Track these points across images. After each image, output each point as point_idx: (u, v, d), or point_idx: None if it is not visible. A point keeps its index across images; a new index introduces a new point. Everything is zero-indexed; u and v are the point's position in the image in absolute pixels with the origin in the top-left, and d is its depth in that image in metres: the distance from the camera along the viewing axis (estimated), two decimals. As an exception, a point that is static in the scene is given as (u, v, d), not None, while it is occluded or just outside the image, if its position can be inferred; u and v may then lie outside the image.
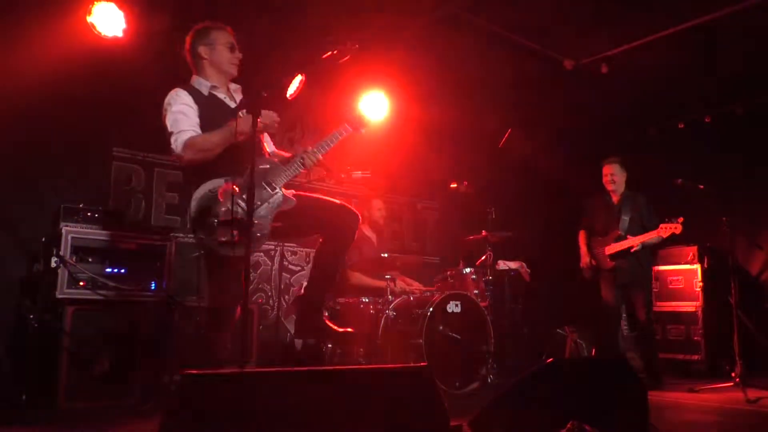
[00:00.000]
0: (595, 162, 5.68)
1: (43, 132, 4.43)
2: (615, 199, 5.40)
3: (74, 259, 3.77)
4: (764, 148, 6.49)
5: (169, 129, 2.95)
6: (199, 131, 2.95)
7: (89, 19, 4.51)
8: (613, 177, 5.38)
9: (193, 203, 2.89)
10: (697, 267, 6.28)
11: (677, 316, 6.34)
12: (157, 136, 4.99)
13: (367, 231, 5.42)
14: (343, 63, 3.07)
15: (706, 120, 6.96)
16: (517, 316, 6.08)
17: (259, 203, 2.96)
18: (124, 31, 4.62)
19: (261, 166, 3.06)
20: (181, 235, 5.06)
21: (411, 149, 6.55)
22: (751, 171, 6.56)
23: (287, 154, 3.35)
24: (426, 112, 6.79)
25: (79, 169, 4.60)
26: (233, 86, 3.29)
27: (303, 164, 3.20)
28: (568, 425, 2.07)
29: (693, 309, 6.24)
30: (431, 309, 4.47)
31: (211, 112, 3.06)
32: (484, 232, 5.37)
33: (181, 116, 2.95)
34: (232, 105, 3.17)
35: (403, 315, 4.64)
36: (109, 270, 3.89)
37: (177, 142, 2.91)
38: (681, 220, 4.91)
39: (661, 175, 5.57)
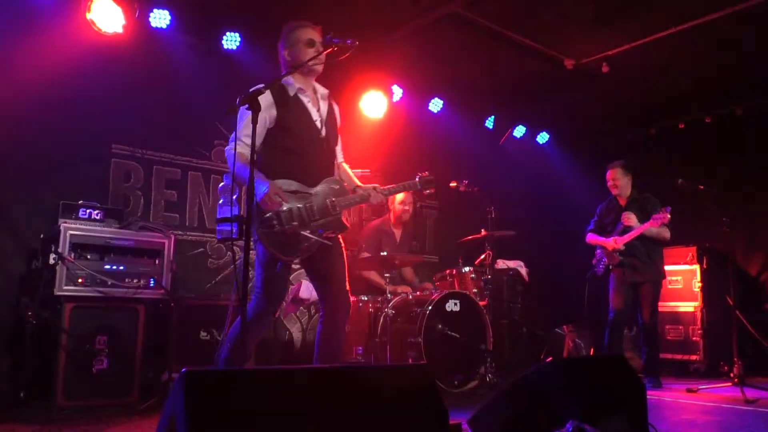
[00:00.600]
0: (595, 161, 5.68)
1: (42, 128, 4.41)
2: (622, 202, 5.40)
3: (73, 256, 3.76)
4: (764, 149, 6.50)
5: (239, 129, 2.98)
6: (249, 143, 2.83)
7: (88, 15, 4.53)
8: (615, 182, 5.39)
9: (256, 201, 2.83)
10: (696, 267, 6.29)
11: (676, 317, 6.35)
12: (156, 133, 5.08)
13: (388, 225, 5.40)
14: (342, 60, 3.06)
15: (707, 120, 6.96)
16: (516, 315, 6.08)
17: (318, 217, 3.01)
18: (124, 27, 4.64)
19: (332, 186, 3.11)
20: (180, 232, 5.07)
21: (410, 147, 6.55)
22: (751, 172, 6.57)
23: (347, 169, 3.37)
24: (425, 110, 6.80)
25: (78, 165, 4.59)
26: (321, 90, 3.24)
27: (367, 199, 3.22)
28: (567, 425, 2.07)
29: (692, 309, 6.24)
30: (430, 307, 4.47)
31: (291, 116, 3.05)
32: (483, 231, 5.36)
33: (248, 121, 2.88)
34: (314, 113, 3.14)
35: (402, 313, 4.64)
36: (107, 267, 3.88)
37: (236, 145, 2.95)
38: (668, 209, 4.97)
39: (662, 175, 5.56)
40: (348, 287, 3.16)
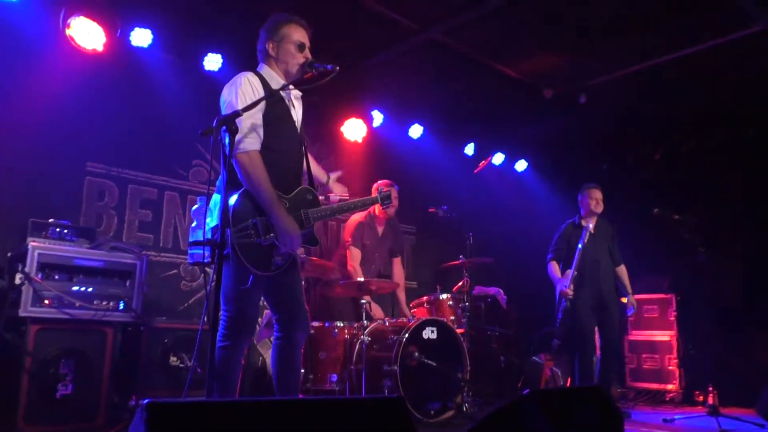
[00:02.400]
0: (573, 190, 5.71)
1: (15, 144, 4.32)
2: (591, 224, 5.38)
3: (40, 276, 3.65)
4: (736, 179, 6.61)
5: (246, 126, 2.73)
6: (260, 141, 2.75)
7: (68, 32, 4.48)
8: (599, 201, 5.40)
9: (233, 207, 2.71)
10: (672, 296, 6.33)
11: (652, 345, 6.37)
12: (133, 152, 5.01)
13: (371, 219, 5.35)
14: (323, 84, 3.01)
15: (682, 150, 7.08)
16: (494, 343, 6.04)
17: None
18: (104, 45, 4.60)
19: (306, 196, 2.96)
20: (154, 253, 4.97)
21: (390, 172, 6.54)
22: (726, 201, 6.66)
23: (322, 175, 3.29)
24: (406, 136, 6.81)
25: (51, 183, 4.49)
26: (295, 92, 3.03)
27: (342, 212, 3.16)
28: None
29: (668, 338, 6.27)
30: (407, 335, 4.41)
31: (275, 113, 2.84)
32: (461, 258, 5.34)
33: (257, 116, 2.76)
34: (293, 113, 2.99)
35: (378, 340, 4.57)
36: (76, 288, 3.77)
37: (242, 144, 2.72)
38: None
39: (638, 204, 5.62)
40: (307, 307, 3.07)
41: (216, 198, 2.87)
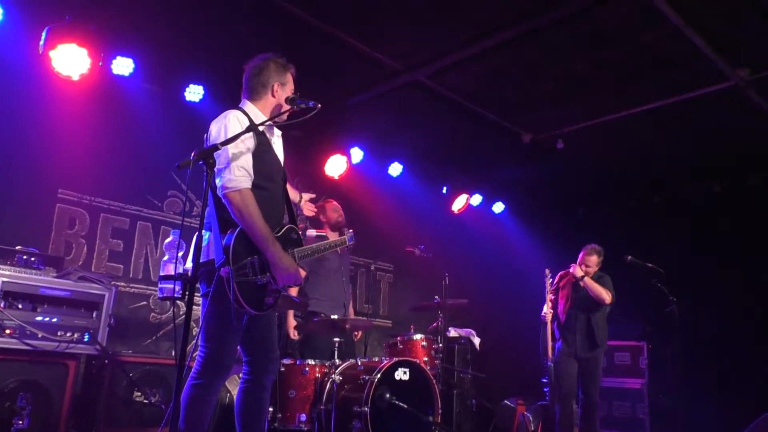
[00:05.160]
0: (549, 234, 5.77)
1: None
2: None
3: (3, 304, 3.53)
4: (710, 229, 6.73)
5: (228, 158, 2.68)
6: (251, 179, 2.73)
7: (50, 56, 4.42)
8: (590, 267, 5.44)
9: (232, 245, 2.67)
10: (643, 344, 6.36)
11: (623, 393, 6.36)
12: (107, 180, 4.93)
13: (332, 236, 5.24)
14: (305, 121, 3.02)
15: (656, 200, 7.21)
16: (466, 385, 5.98)
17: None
18: (85, 72, 4.55)
19: (291, 235, 2.94)
20: (123, 284, 4.86)
21: (369, 209, 6.55)
22: (700, 250, 6.76)
23: (294, 195, 3.31)
24: (385, 174, 6.84)
25: (20, 209, 4.40)
26: (276, 130, 3.03)
27: (318, 253, 3.13)
28: None
29: (639, 386, 6.27)
30: (379, 375, 4.33)
31: (261, 150, 2.82)
32: (437, 298, 5.31)
33: (246, 151, 2.74)
34: (277, 151, 2.99)
35: (349, 380, 4.48)
36: (40, 318, 3.65)
37: (231, 180, 2.67)
38: None
39: (612, 251, 5.67)
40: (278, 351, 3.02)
41: (206, 235, 2.82)
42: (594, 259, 5.45)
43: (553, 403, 5.34)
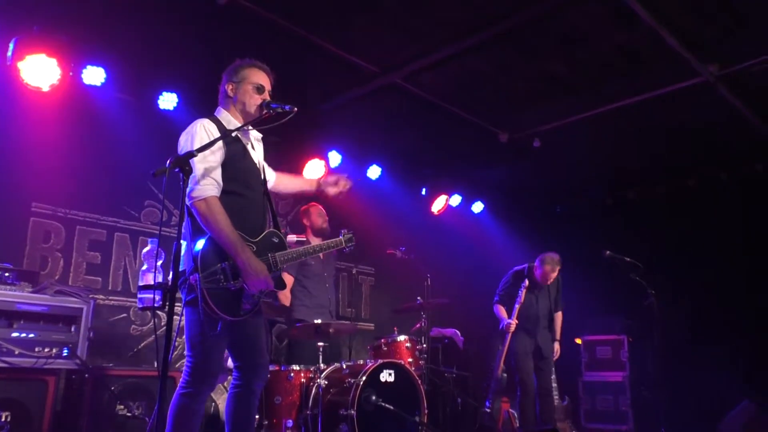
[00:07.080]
0: (528, 232, 5.83)
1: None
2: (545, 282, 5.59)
3: (-23, 321, 3.46)
4: (685, 225, 6.84)
5: (194, 168, 2.64)
6: (218, 186, 2.72)
7: (21, 69, 4.34)
8: (549, 277, 5.56)
9: (200, 252, 2.65)
10: (624, 338, 6.44)
11: (605, 386, 6.43)
12: (82, 192, 4.86)
13: (314, 240, 5.20)
14: (280, 126, 3.00)
15: (631, 197, 7.32)
16: (451, 384, 6.00)
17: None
18: (55, 83, 4.48)
19: (273, 239, 2.90)
20: (102, 296, 4.79)
21: (349, 213, 6.53)
22: (675, 245, 6.87)
23: (309, 184, 3.37)
24: (364, 177, 6.84)
25: (-7, 223, 4.31)
26: (255, 133, 3.02)
27: (304, 256, 3.11)
28: None
29: (620, 379, 6.34)
30: (364, 378, 4.33)
31: (234, 157, 2.81)
32: (419, 299, 5.32)
33: (212, 160, 2.72)
34: (254, 155, 2.96)
35: (335, 384, 4.47)
36: (16, 334, 3.58)
37: (196, 189, 2.66)
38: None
39: (590, 246, 5.74)
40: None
41: (185, 244, 2.79)
42: (557, 271, 5.60)
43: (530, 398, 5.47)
